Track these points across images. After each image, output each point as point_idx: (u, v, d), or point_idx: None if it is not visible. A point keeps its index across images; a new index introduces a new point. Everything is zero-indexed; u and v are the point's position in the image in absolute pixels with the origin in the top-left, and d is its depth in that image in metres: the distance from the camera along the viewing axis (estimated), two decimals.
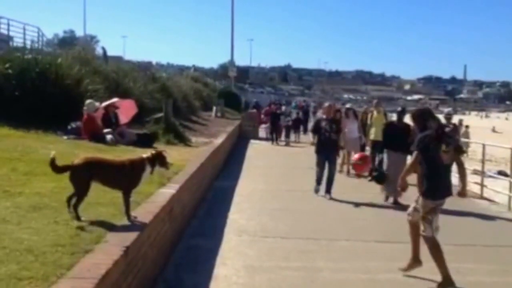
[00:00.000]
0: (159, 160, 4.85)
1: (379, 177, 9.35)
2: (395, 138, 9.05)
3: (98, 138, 10.46)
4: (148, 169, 4.75)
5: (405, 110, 10.01)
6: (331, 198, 9.67)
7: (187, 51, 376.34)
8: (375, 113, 12.77)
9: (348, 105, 16.99)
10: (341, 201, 9.54)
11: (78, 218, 4.35)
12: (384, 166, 9.60)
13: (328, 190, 9.88)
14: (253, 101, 40.25)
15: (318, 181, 10.18)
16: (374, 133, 11.89)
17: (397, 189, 8.36)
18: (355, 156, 10.34)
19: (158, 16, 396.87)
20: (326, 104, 11.35)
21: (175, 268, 5.53)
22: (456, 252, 6.60)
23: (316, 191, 10.06)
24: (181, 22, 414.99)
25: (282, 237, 6.91)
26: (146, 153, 4.96)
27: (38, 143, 8.44)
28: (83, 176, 4.46)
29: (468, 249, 6.76)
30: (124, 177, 4.64)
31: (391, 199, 9.27)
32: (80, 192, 4.45)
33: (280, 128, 22.92)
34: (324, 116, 10.55)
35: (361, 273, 5.40)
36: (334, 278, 5.32)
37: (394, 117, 11.04)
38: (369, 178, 10.54)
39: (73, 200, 4.45)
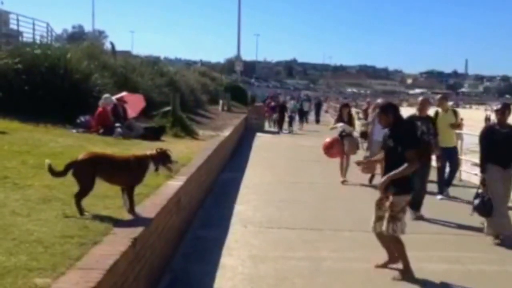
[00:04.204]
0: (163, 159, 4.80)
1: (485, 207, 6.53)
2: (497, 147, 6.57)
3: (108, 131, 10.59)
4: (151, 167, 4.71)
5: (510, 107, 7.00)
6: (419, 217, 7.62)
7: (194, 46, 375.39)
8: (440, 111, 9.49)
9: (379, 100, 13.38)
10: (345, 193, 9.60)
11: (81, 212, 4.34)
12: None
13: (417, 206, 7.69)
14: (265, 95, 41.04)
15: (416, 203, 7.55)
16: (441, 139, 8.60)
17: (507, 220, 6.61)
18: (327, 140, 7.20)
19: (166, 11, 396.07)
20: (420, 99, 8.56)
21: (182, 258, 5.62)
22: (456, 241, 6.69)
23: (418, 217, 7.62)
24: (189, 17, 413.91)
25: (287, 227, 6.99)
26: (152, 147, 5.00)
27: (47, 137, 8.56)
28: (88, 171, 4.43)
29: (467, 239, 6.82)
30: (128, 174, 4.60)
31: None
32: (85, 187, 4.42)
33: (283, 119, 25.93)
34: (418, 114, 8.18)
35: (364, 262, 5.46)
36: (337, 267, 5.40)
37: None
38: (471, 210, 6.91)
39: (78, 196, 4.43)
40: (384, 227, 5.10)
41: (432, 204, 8.31)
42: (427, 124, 7.91)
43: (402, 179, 5.05)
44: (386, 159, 5.25)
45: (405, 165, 5.02)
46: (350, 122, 11.43)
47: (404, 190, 5.10)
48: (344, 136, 10.98)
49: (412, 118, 8.13)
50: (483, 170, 6.70)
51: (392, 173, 5.05)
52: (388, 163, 5.19)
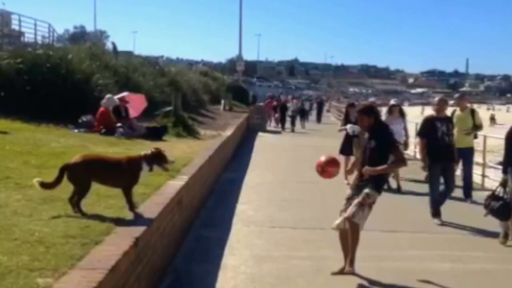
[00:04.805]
0: (158, 159, 4.72)
1: (503, 210, 6.36)
2: None
3: (110, 131, 10.61)
4: (145, 167, 4.63)
5: None
6: (443, 224, 7.34)
7: (196, 46, 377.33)
8: (457, 110, 9.22)
9: (393, 101, 12.67)
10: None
11: (82, 213, 4.36)
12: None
13: (437, 213, 7.49)
14: (266, 95, 41.42)
15: (436, 208, 7.49)
16: (456, 139, 8.20)
17: None
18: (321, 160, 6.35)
19: (168, 11, 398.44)
20: (437, 99, 8.19)
21: (184, 258, 5.61)
22: (458, 240, 6.67)
23: (440, 222, 7.38)
24: (190, 18, 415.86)
25: (289, 227, 6.99)
26: (152, 146, 4.96)
27: (49, 137, 8.58)
28: (82, 174, 4.43)
29: (470, 238, 6.80)
30: (121, 175, 4.55)
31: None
32: (81, 190, 4.42)
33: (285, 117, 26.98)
34: (435, 114, 7.84)
35: (366, 261, 5.43)
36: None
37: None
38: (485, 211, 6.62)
39: (75, 198, 4.43)
40: (349, 210, 5.08)
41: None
42: (447, 124, 7.65)
43: (382, 178, 5.22)
44: (368, 160, 5.20)
45: (396, 162, 5.16)
46: (357, 121, 11.14)
47: (380, 188, 5.20)
48: (353, 136, 10.48)
49: (430, 118, 7.89)
50: (505, 171, 6.45)
51: (383, 167, 5.09)
52: (370, 164, 5.15)
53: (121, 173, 4.56)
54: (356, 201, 5.08)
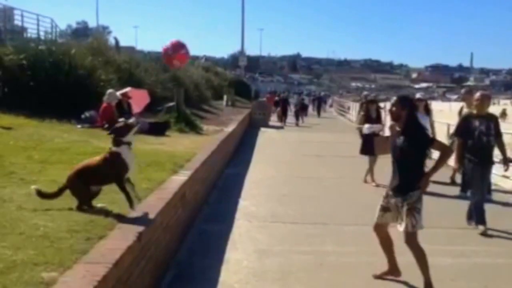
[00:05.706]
0: (122, 132, 4.60)
1: None
2: None
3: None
4: (122, 150, 4.50)
5: None
6: (486, 231, 6.66)
7: (198, 41, 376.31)
8: (464, 107, 8.88)
9: (419, 94, 11.46)
10: (349, 187, 9.59)
11: (90, 206, 4.43)
12: None
13: (482, 220, 6.76)
14: (268, 90, 41.77)
15: (481, 215, 6.76)
16: None
17: None
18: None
19: (170, 7, 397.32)
20: (478, 94, 7.26)
21: (187, 252, 5.65)
22: (461, 235, 6.69)
23: (484, 233, 6.64)
24: (192, 12, 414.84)
25: (291, 222, 7.01)
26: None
27: (53, 132, 8.60)
28: (79, 185, 4.45)
29: (473, 232, 6.79)
30: (108, 172, 4.49)
31: None
32: (82, 199, 4.45)
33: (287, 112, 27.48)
34: (475, 111, 7.13)
35: (369, 256, 5.47)
36: (342, 261, 5.41)
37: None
38: None
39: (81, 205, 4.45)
40: (403, 225, 4.79)
41: (437, 201, 8.31)
42: (486, 123, 6.83)
43: (417, 175, 4.75)
44: (399, 163, 4.81)
45: (443, 155, 4.79)
46: (378, 118, 10.45)
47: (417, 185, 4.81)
48: (373, 135, 9.82)
49: (468, 116, 7.23)
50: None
51: (432, 168, 4.68)
52: (403, 166, 4.78)
53: (106, 171, 4.50)
54: (405, 210, 4.73)
